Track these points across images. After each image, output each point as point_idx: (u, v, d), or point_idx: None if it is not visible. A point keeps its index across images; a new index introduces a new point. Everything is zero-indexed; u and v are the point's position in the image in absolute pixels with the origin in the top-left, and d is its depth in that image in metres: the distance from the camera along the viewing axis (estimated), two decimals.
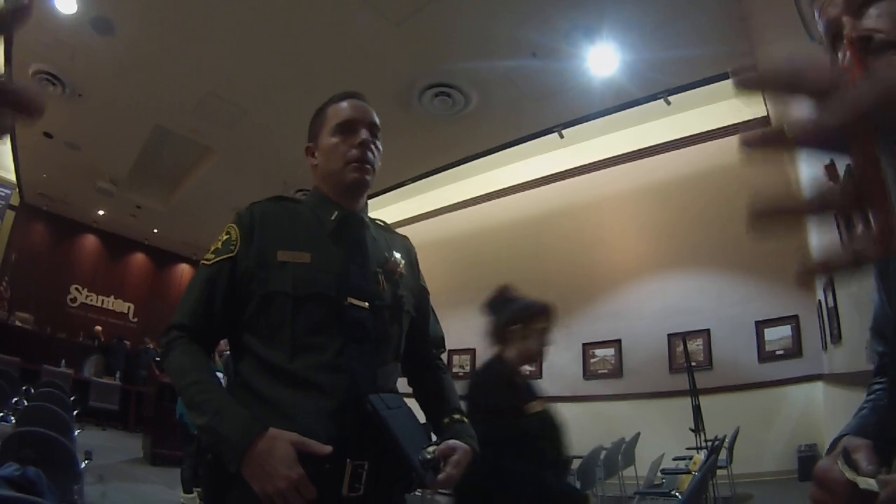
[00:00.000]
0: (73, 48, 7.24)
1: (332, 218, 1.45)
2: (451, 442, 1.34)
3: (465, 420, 1.51)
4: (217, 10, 6.42)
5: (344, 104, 1.52)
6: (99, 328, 13.33)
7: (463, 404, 1.62)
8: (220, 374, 5.78)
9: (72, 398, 6.32)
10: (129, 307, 15.30)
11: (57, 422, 3.67)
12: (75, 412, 5.61)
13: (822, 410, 6.76)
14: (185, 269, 16.51)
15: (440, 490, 1.36)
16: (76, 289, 14.34)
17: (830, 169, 4.04)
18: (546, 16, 6.25)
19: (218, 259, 1.38)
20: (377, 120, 1.53)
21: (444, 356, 1.74)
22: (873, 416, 0.93)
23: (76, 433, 4.25)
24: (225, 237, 1.41)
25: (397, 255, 1.54)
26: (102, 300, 14.81)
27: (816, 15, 0.93)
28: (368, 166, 1.47)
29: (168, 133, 9.31)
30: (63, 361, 10.53)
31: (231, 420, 1.21)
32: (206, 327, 1.37)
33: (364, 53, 6.94)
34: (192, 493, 5.47)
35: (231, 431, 1.19)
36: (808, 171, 5.98)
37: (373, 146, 1.49)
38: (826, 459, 0.74)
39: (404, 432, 1.25)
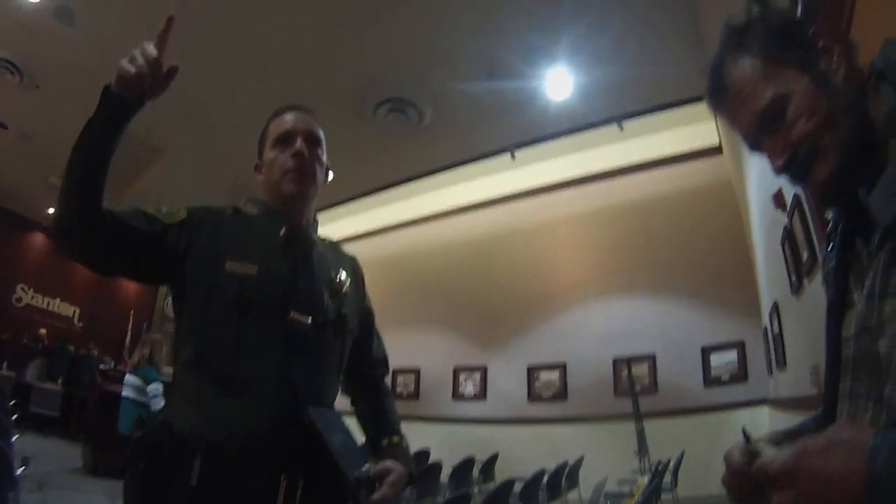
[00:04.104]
0: (34, 37, 7.08)
1: (281, 233, 1.46)
2: (388, 462, 1.37)
3: (404, 442, 1.54)
4: (178, 7, 6.30)
5: (284, 117, 1.55)
6: (43, 331, 12.85)
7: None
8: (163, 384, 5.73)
9: (12, 402, 6.12)
10: (74, 311, 14.76)
11: None
12: (15, 416, 5.44)
13: (767, 434, 6.84)
14: None
15: None
16: (22, 288, 13.80)
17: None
18: (503, 36, 6.37)
19: (155, 213, 1.39)
20: (317, 130, 1.55)
21: (389, 376, 1.76)
22: (811, 423, 1.00)
23: (14, 438, 4.13)
24: (174, 211, 1.42)
25: (343, 275, 1.56)
26: (48, 302, 14.26)
27: (736, 133, 0.98)
28: (304, 176, 1.49)
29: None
30: (5, 364, 10.20)
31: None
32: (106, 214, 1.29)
33: (321, 59, 6.92)
34: None
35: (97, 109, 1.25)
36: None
37: (311, 155, 1.50)
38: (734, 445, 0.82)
39: (341, 448, 1.27)
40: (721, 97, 0.96)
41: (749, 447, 0.75)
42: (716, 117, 6.98)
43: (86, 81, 7.67)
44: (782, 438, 0.92)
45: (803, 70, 0.88)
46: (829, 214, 0.95)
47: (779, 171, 0.90)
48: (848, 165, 0.84)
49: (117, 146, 1.26)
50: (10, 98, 8.42)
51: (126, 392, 5.88)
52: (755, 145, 0.94)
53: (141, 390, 5.77)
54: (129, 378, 5.92)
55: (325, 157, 1.57)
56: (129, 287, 15.56)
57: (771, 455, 0.68)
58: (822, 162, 0.85)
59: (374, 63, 6.99)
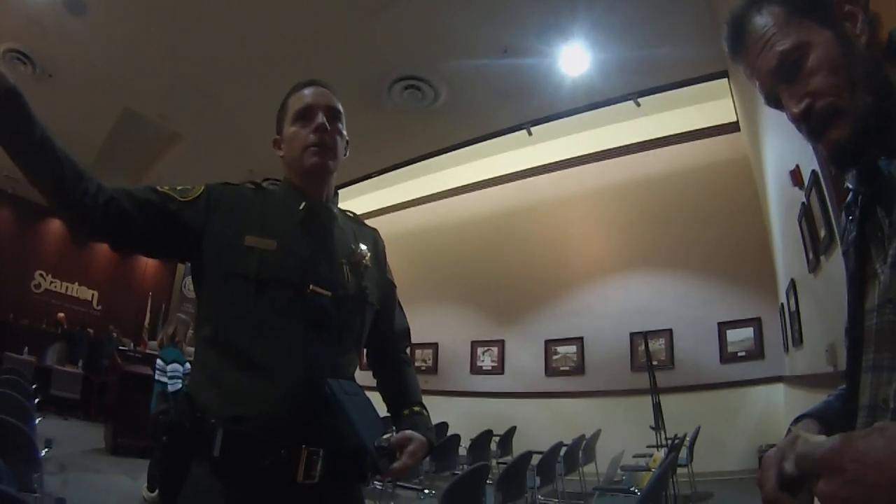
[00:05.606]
0: (45, 27, 7.07)
1: (301, 207, 1.45)
2: (408, 432, 1.37)
3: (425, 413, 1.54)
4: None
5: (303, 91, 1.52)
6: (62, 315, 12.99)
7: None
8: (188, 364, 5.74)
9: (33, 386, 6.22)
10: (93, 294, 14.92)
11: (17, 409, 3.62)
12: (36, 400, 5.53)
13: (782, 411, 6.88)
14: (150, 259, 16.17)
15: (394, 478, 1.36)
16: (40, 274, 13.93)
17: None
18: (519, 14, 6.30)
19: (170, 192, 1.38)
20: (337, 104, 1.53)
21: (408, 350, 1.76)
22: (836, 402, 0.97)
23: (37, 421, 4.20)
24: (190, 188, 1.42)
25: (364, 247, 1.55)
26: (67, 287, 14.41)
27: (754, 84, 0.96)
28: (327, 150, 1.47)
29: (136, 118, 9.08)
30: (26, 349, 10.34)
31: None
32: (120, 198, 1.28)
33: (336, 43, 6.90)
34: (155, 491, 5.32)
35: None
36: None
37: (332, 129, 1.48)
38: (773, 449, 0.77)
39: (360, 418, 1.26)
40: (742, 43, 0.95)
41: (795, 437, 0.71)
42: (731, 88, 6.86)
43: (98, 71, 7.72)
44: (812, 426, 0.91)
45: (827, 28, 0.87)
46: (848, 184, 0.92)
47: (796, 120, 0.88)
48: (865, 130, 0.82)
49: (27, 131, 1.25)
50: (24, 89, 8.44)
51: (157, 374, 5.91)
52: (771, 95, 0.93)
53: (163, 371, 5.80)
54: (158, 361, 5.94)
55: (345, 131, 1.55)
56: (147, 269, 15.69)
57: (817, 441, 0.65)
58: (839, 122, 0.83)
59: (389, 42, 6.94)
